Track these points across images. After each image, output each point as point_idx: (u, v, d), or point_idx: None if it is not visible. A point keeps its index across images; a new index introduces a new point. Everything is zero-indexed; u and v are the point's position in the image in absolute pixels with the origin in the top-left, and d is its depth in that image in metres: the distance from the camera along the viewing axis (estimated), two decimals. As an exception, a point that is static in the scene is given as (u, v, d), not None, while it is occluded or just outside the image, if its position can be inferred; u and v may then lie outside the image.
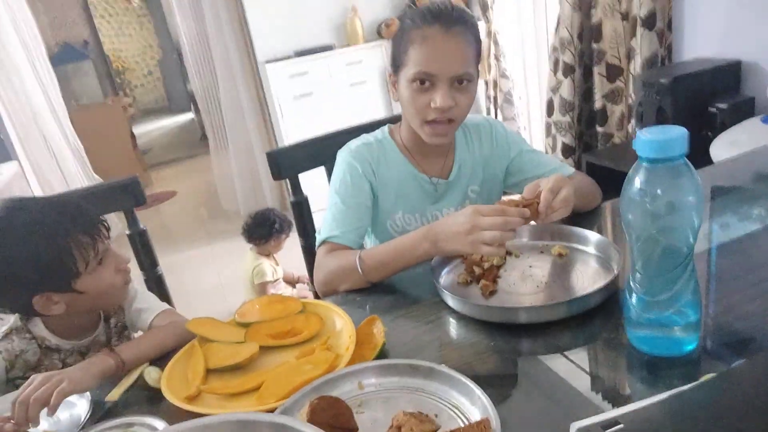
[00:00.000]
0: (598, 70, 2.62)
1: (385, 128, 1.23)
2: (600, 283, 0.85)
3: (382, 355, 0.80)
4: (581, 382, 0.70)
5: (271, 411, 0.67)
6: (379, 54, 3.50)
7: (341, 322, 0.89)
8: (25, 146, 3.15)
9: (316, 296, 1.10)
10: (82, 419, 0.76)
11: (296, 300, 0.98)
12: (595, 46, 2.59)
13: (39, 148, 3.25)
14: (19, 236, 0.87)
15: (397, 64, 1.09)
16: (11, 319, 0.97)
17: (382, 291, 1.02)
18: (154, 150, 6.68)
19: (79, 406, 0.79)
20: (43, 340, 0.97)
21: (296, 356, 0.84)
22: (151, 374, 0.83)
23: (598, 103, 2.69)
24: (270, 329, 0.92)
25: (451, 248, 0.92)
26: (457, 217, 0.90)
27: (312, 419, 0.59)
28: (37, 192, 3.05)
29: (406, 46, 1.05)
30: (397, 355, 0.80)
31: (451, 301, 0.90)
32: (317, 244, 1.13)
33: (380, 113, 3.55)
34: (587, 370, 0.74)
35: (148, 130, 7.82)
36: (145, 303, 1.05)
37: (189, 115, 8.00)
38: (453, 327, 0.88)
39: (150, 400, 0.80)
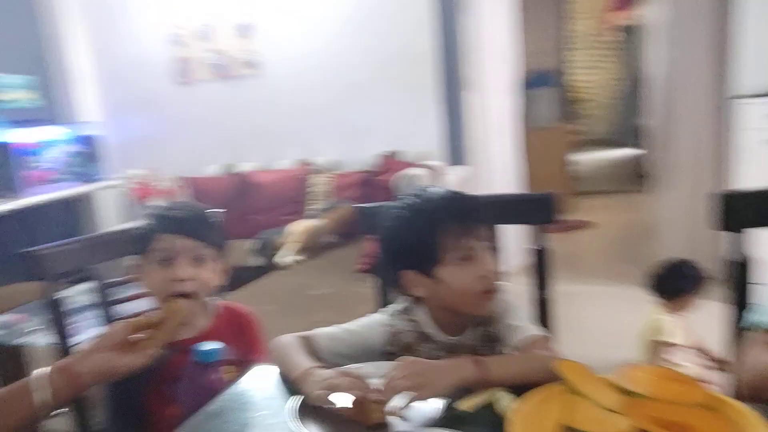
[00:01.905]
0: None
1: None
2: None
3: None
4: None
5: None
6: None
7: (765, 448, 0.61)
8: (476, 155, 3.60)
9: (736, 395, 0.81)
10: (432, 416, 0.76)
11: (701, 388, 0.74)
12: None
13: (487, 159, 3.66)
14: (408, 214, 0.96)
15: None
16: (402, 301, 1.04)
17: None
18: (585, 179, 6.71)
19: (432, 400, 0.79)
20: (422, 326, 1.01)
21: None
22: (503, 400, 0.76)
23: None
24: (656, 411, 0.72)
25: None
26: None
27: None
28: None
29: None
30: None
31: None
32: (750, 324, 0.84)
33: None
34: None
35: (585, 158, 7.91)
36: (520, 321, 0.99)
37: (628, 151, 7.71)
38: None
39: (494, 426, 0.73)
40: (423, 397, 0.78)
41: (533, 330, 0.99)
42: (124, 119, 4.20)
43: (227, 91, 3.92)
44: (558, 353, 0.93)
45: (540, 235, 1.22)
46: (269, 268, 2.95)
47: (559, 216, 1.21)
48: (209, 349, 0.97)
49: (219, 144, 4.00)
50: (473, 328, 1.01)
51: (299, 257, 2.93)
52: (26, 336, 2.11)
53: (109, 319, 1.29)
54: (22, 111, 3.76)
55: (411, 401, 0.78)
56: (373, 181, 3.22)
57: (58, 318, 1.22)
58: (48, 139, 3.71)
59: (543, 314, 1.24)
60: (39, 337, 2.03)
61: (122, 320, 0.89)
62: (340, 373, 0.86)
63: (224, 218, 1.31)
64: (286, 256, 2.91)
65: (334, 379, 0.84)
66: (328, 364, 0.95)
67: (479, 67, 3.46)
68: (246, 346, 1.20)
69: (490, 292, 0.96)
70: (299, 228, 3.02)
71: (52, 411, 0.83)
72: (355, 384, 0.82)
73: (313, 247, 3.03)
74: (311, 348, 0.99)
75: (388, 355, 1.00)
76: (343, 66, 3.60)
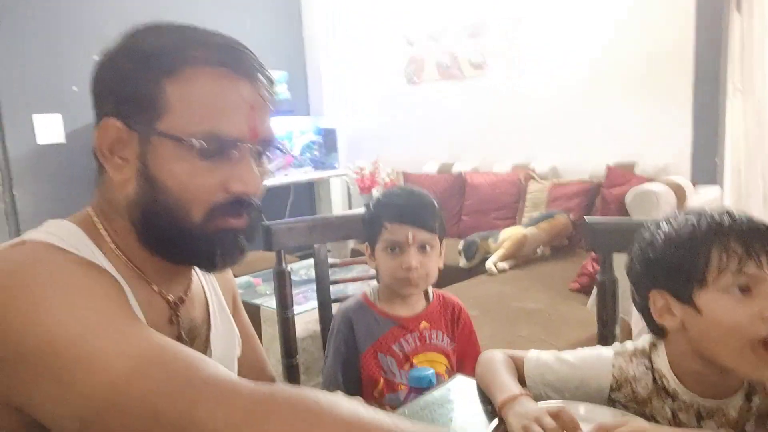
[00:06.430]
0: None
1: None
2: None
3: None
4: None
5: None
6: None
7: None
8: (732, 174, 3.05)
9: None
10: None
11: None
12: None
13: (745, 181, 3.07)
14: (677, 225, 0.76)
15: None
16: (643, 339, 0.85)
17: None
18: None
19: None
20: (661, 377, 0.79)
21: None
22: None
23: None
24: None
25: None
26: None
27: None
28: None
29: None
30: None
31: None
32: None
33: None
34: None
35: None
36: None
37: None
38: None
39: None
40: None
41: None
42: (356, 115, 4.55)
43: (452, 91, 3.97)
44: None
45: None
46: (475, 271, 2.89)
47: None
48: (422, 375, 0.94)
49: (439, 143, 4.07)
50: (744, 393, 0.76)
51: (506, 265, 2.81)
52: (262, 297, 2.40)
53: (324, 296, 1.37)
54: (277, 103, 4.32)
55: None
56: (597, 194, 2.94)
57: (283, 287, 1.33)
58: (294, 129, 4.21)
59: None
60: (270, 301, 2.29)
61: None
62: (549, 411, 0.74)
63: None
64: (494, 262, 2.82)
65: (541, 417, 0.72)
66: (533, 393, 0.85)
67: (748, 73, 2.91)
68: (462, 337, 1.19)
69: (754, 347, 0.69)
70: (511, 235, 2.90)
71: None
72: (566, 427, 0.71)
73: (522, 257, 2.89)
74: (519, 370, 0.89)
75: (611, 403, 0.83)
76: (569, 68, 3.36)
